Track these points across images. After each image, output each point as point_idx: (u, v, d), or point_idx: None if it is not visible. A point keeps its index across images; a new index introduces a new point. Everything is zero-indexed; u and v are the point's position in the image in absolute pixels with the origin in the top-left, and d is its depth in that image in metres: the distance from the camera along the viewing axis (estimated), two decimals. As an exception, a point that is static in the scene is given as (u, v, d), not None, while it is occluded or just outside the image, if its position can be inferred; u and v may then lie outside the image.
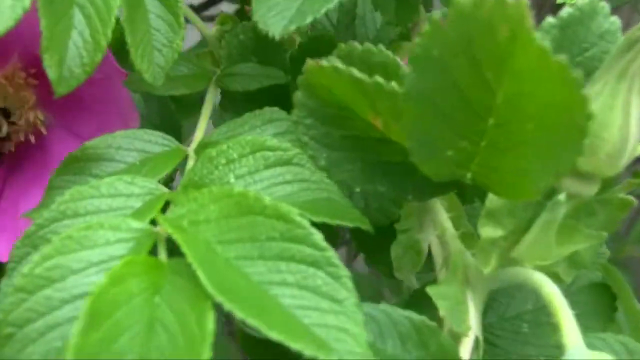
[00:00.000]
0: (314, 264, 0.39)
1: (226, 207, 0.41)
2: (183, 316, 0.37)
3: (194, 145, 0.50)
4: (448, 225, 0.50)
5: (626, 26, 0.41)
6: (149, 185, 0.46)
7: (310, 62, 0.41)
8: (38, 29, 0.55)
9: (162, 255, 0.41)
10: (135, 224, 0.42)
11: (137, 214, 0.44)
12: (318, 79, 0.41)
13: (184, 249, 0.38)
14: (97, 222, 0.41)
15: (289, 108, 0.50)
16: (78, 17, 0.45)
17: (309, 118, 0.43)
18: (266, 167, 0.45)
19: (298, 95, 0.43)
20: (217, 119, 0.65)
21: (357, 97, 0.40)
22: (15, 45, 0.58)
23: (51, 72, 0.44)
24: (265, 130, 0.49)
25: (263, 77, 0.53)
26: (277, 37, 0.44)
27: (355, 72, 0.39)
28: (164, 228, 0.42)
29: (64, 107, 0.61)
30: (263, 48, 0.56)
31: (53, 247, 0.40)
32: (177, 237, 0.39)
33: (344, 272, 0.39)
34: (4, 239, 0.57)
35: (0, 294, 0.44)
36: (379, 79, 0.39)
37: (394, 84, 0.39)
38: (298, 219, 0.40)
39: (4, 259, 0.54)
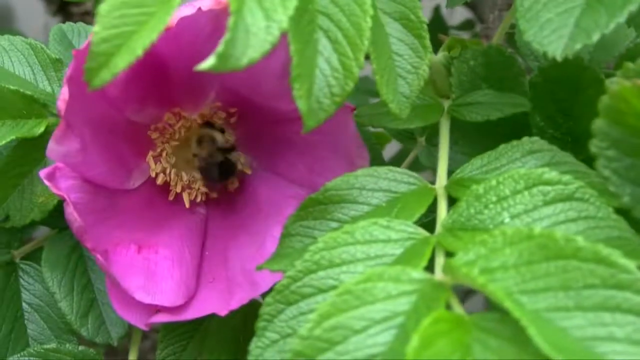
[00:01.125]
0: (645, 314, 0.32)
1: (527, 251, 0.35)
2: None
3: (441, 182, 0.45)
4: None
5: None
6: (407, 229, 0.40)
7: (621, 83, 0.34)
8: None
9: (458, 309, 0.35)
10: (416, 274, 0.36)
11: (404, 262, 0.39)
12: (629, 104, 0.35)
13: (505, 302, 0.32)
14: (375, 273, 0.36)
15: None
16: (323, 42, 0.40)
17: (611, 149, 0.37)
18: (545, 203, 0.39)
19: (599, 124, 0.37)
20: (425, 153, 0.60)
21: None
22: (212, 83, 0.54)
23: (301, 104, 0.39)
24: (526, 162, 0.43)
25: (504, 105, 0.47)
26: (559, 58, 0.39)
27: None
28: (454, 277, 0.36)
29: (267, 148, 0.56)
30: (496, 74, 0.50)
31: (331, 304, 0.35)
32: (484, 288, 0.33)
33: (682, 323, 0.32)
34: (216, 290, 0.53)
35: (250, 356, 0.39)
36: None
37: None
38: (622, 262, 0.33)
39: (221, 312, 0.49)
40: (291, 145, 0.54)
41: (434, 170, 0.49)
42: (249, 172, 0.57)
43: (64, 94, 0.47)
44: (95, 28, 0.38)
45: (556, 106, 0.48)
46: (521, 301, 0.33)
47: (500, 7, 0.66)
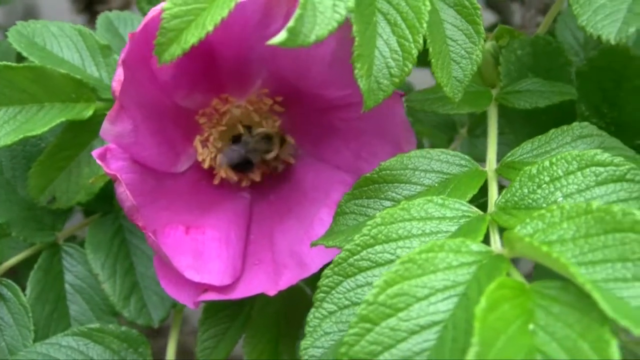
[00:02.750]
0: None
1: (584, 225, 0.36)
2: (570, 344, 0.32)
3: (492, 165, 0.46)
4: None
5: None
6: (461, 207, 0.42)
7: None
8: (286, 52, 0.52)
9: (518, 277, 0.36)
10: (475, 247, 0.37)
11: (460, 237, 0.40)
12: None
13: (569, 270, 0.33)
14: (436, 244, 0.37)
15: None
16: (382, 24, 0.42)
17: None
18: (597, 184, 0.40)
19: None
20: (466, 144, 0.61)
21: None
22: (260, 70, 0.55)
23: (361, 83, 0.40)
24: (576, 147, 0.44)
25: (552, 93, 0.49)
26: (613, 42, 0.40)
27: None
28: (512, 249, 0.37)
29: (313, 135, 0.57)
30: (543, 64, 0.51)
31: (395, 272, 0.36)
32: (547, 257, 0.34)
33: None
34: (262, 272, 0.54)
35: (308, 327, 0.40)
36: None
37: None
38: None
39: (270, 292, 0.50)
40: (337, 132, 0.55)
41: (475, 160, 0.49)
42: (292, 161, 0.58)
43: (118, 75, 0.48)
44: (166, 5, 0.39)
45: (602, 95, 0.49)
46: (579, 271, 0.34)
47: (536, 6, 0.67)
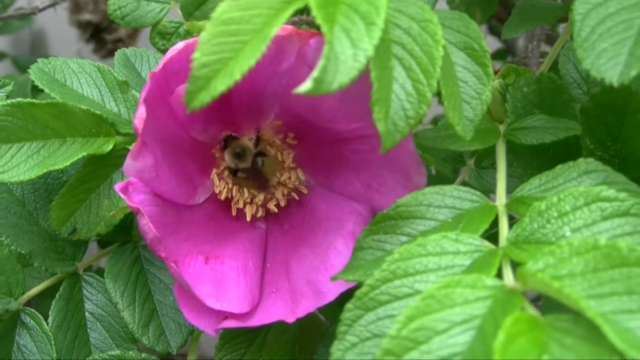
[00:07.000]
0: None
1: (592, 260, 0.38)
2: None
3: (502, 200, 0.48)
4: None
5: None
6: (474, 242, 0.44)
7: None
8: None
9: (532, 311, 0.38)
10: (490, 282, 0.40)
11: (474, 272, 0.42)
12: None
13: (574, 305, 0.35)
14: (454, 280, 0.39)
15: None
16: (397, 69, 0.44)
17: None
18: (603, 218, 0.42)
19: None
20: (473, 175, 0.64)
21: None
22: (272, 105, 0.58)
23: (379, 126, 0.43)
24: (581, 182, 0.46)
25: (557, 129, 0.51)
26: (616, 84, 0.42)
27: None
28: (525, 284, 0.39)
29: (324, 166, 0.59)
30: (548, 101, 0.54)
31: (416, 308, 0.38)
32: (559, 292, 0.36)
33: None
34: (280, 299, 0.56)
35: (332, 357, 0.42)
36: None
37: None
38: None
39: (288, 319, 0.52)
40: (348, 163, 0.58)
41: (482, 191, 0.51)
42: (305, 191, 0.60)
43: (140, 113, 0.50)
44: (196, 54, 0.41)
45: (605, 129, 0.51)
46: (589, 305, 0.37)
47: (538, 38, 0.69)
